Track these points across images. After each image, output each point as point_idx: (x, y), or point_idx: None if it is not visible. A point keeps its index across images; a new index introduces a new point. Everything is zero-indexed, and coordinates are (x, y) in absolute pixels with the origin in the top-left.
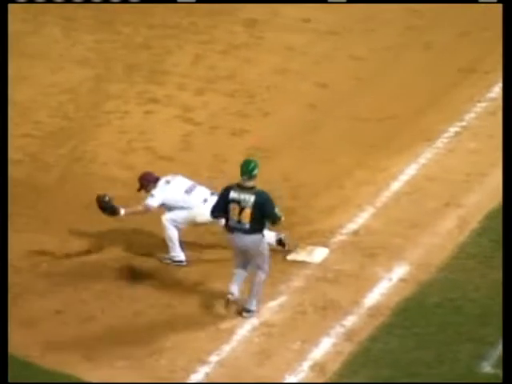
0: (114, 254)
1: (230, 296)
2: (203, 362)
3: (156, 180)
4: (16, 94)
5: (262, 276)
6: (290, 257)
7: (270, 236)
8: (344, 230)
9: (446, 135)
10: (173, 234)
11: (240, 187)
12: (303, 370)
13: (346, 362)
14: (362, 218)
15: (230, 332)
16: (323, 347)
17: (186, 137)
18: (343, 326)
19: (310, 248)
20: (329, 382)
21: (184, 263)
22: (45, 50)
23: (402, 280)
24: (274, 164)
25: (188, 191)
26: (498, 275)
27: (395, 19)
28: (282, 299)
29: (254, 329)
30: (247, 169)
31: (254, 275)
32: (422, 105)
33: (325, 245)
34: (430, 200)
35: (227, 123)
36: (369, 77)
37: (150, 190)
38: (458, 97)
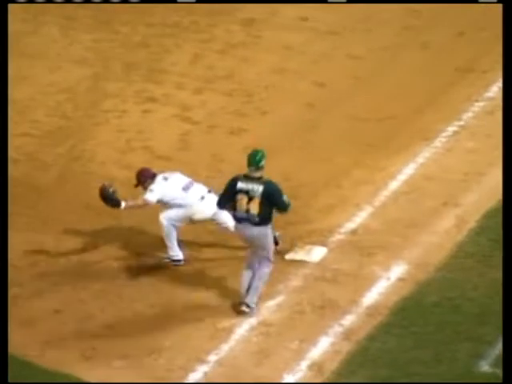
0: (113, 254)
1: (244, 308)
2: (202, 362)
3: (153, 176)
4: (14, 93)
5: (264, 271)
6: (288, 256)
7: None
8: (342, 230)
9: (444, 135)
10: (171, 233)
11: (247, 178)
12: (301, 370)
13: (344, 362)
14: (360, 218)
15: (229, 331)
16: (321, 346)
17: (184, 136)
18: (341, 325)
19: (308, 247)
20: (327, 381)
21: (182, 262)
22: (43, 50)
23: (401, 279)
24: (272, 163)
25: (185, 188)
26: (496, 274)
27: (393, 19)
28: (280, 298)
29: (253, 328)
30: (254, 159)
31: (256, 270)
32: (420, 104)
33: (323, 244)
34: (428, 199)
35: (225, 122)
36: (367, 76)
37: (147, 186)
38: (456, 96)
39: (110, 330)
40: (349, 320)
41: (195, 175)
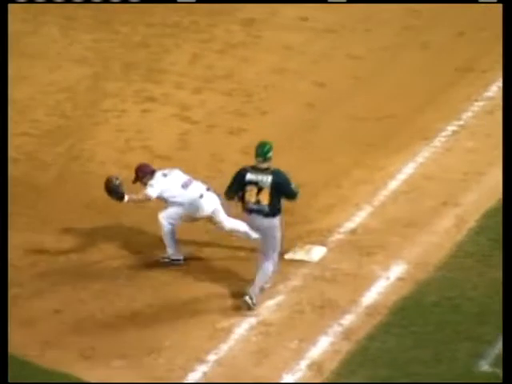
0: (113, 254)
1: (246, 299)
2: (201, 361)
3: (152, 172)
4: (14, 92)
5: (268, 267)
6: (287, 256)
7: (253, 233)
8: (342, 229)
9: (443, 134)
10: (170, 233)
11: (256, 169)
12: (301, 369)
13: (344, 361)
14: (359, 217)
15: (228, 331)
16: (321, 346)
17: (183, 135)
18: (341, 324)
19: (307, 247)
20: (326, 381)
21: (182, 262)
22: (43, 50)
23: (400, 279)
24: (272, 163)
25: (184, 186)
26: (496, 274)
27: (393, 19)
28: (279, 298)
29: (252, 328)
30: (262, 151)
31: (262, 263)
32: (420, 104)
33: (323, 244)
34: (427, 199)
35: (225, 122)
36: (367, 76)
37: (146, 182)
38: (456, 96)
39: (110, 330)
40: (348, 320)
41: (194, 175)
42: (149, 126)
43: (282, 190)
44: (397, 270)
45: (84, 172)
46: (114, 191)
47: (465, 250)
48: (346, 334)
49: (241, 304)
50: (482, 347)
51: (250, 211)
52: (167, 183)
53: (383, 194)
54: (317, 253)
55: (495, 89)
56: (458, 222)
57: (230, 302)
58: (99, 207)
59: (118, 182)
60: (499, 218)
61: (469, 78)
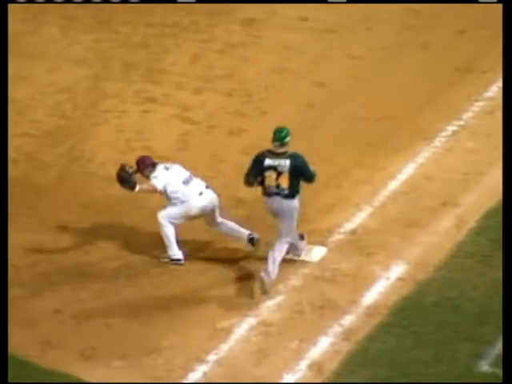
0: (112, 254)
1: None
2: (201, 361)
3: (154, 164)
4: (14, 93)
5: (282, 246)
6: (287, 256)
7: (243, 232)
8: (342, 229)
9: (443, 134)
10: (169, 232)
11: (273, 154)
12: (301, 370)
13: (344, 362)
14: (359, 218)
15: (228, 331)
16: (321, 346)
17: (183, 136)
18: (341, 325)
19: (308, 247)
20: (326, 381)
21: (182, 262)
22: (43, 50)
23: (400, 279)
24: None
25: (185, 182)
26: (496, 274)
27: (393, 19)
28: (279, 298)
29: (252, 328)
30: (279, 135)
31: (276, 245)
32: (420, 104)
33: (323, 244)
34: (427, 199)
35: (225, 122)
36: (366, 76)
37: (147, 174)
38: (456, 96)
39: (110, 330)
40: (348, 320)
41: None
42: (149, 127)
43: (300, 173)
44: (397, 270)
45: (84, 172)
46: (126, 180)
47: (465, 251)
48: (346, 335)
49: (257, 279)
50: (482, 347)
51: (270, 194)
52: (169, 177)
53: (383, 195)
54: (317, 253)
55: (495, 89)
56: (458, 222)
57: (230, 302)
58: (99, 207)
59: (130, 171)
60: (499, 219)
61: (469, 78)
